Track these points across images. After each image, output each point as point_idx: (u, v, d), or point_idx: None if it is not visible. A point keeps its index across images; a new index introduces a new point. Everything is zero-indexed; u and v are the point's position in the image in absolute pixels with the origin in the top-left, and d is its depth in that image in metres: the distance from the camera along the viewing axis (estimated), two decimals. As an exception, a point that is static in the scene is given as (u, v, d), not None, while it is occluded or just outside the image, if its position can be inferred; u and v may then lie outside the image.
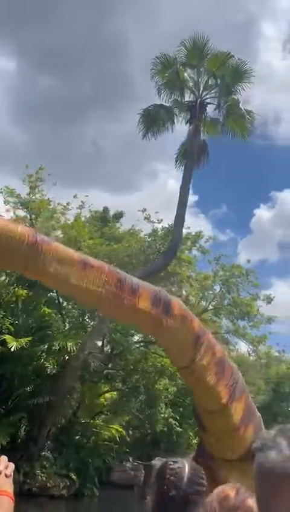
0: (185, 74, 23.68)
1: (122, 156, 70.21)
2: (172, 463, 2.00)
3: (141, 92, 61.24)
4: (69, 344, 21.65)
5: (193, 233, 28.73)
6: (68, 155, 67.58)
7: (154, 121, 24.25)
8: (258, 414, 6.25)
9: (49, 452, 22.62)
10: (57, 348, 22.00)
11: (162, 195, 65.78)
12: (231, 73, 23.22)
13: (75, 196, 28.86)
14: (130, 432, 31.12)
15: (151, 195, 63.57)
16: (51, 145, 65.48)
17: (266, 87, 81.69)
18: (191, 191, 25.53)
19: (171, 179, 69.24)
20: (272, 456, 1.00)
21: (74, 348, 21.91)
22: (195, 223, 69.76)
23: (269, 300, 28.52)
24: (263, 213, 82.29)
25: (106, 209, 32.13)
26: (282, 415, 36.76)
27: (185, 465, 1.99)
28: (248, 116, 23.25)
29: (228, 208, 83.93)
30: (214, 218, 79.21)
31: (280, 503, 0.97)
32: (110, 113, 67.19)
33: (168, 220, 26.29)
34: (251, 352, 30.68)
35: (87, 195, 30.17)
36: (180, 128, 24.75)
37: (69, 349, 21.66)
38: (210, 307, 29.22)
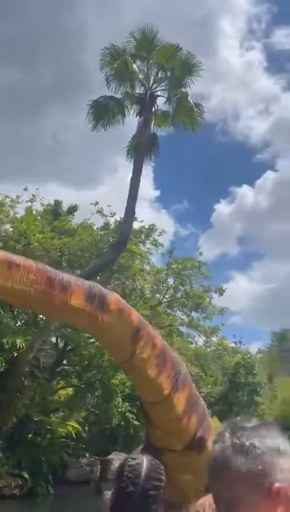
0: (135, 66, 23.52)
1: (83, 150, 69.23)
2: (131, 460, 2.03)
3: (103, 85, 60.40)
4: (19, 341, 21.27)
5: (147, 227, 28.72)
6: (27, 149, 66.05)
7: (104, 112, 23.97)
8: (203, 403, 6.26)
9: (0, 452, 22.14)
10: (6, 345, 21.51)
11: (123, 189, 65.46)
12: (180, 66, 23.27)
13: (25, 189, 28.27)
14: (87, 428, 30.88)
15: (111, 189, 63.18)
16: (8, 139, 63.81)
17: (225, 83, 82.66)
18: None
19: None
20: (216, 448, 1.05)
21: (24, 344, 21.51)
22: (157, 218, 69.79)
23: (221, 292, 28.96)
24: (223, 208, 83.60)
25: (57, 203, 31.41)
26: (237, 404, 37.29)
27: (143, 461, 2.00)
28: (196, 109, 23.39)
29: (189, 203, 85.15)
30: (176, 213, 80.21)
31: (221, 491, 1.00)
32: (71, 106, 65.99)
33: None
34: (204, 343, 31.08)
35: (37, 188, 29.45)
36: (135, 121, 24.58)
37: (18, 346, 21.28)
38: (164, 299, 29.35)
